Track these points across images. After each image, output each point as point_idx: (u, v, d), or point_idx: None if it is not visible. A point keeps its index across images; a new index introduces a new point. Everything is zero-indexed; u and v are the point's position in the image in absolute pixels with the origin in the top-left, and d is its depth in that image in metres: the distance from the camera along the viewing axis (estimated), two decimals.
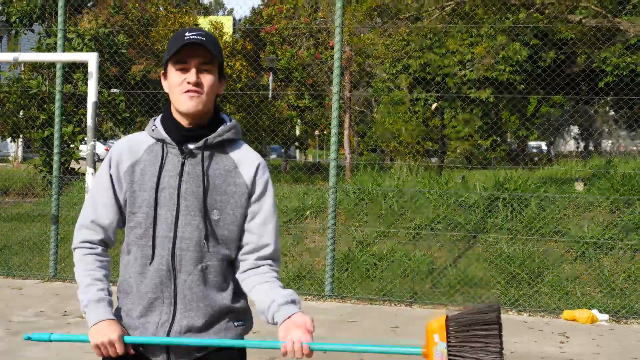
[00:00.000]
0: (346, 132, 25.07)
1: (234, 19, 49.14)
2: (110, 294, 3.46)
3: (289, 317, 3.26)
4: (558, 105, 36.37)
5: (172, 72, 3.38)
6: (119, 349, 3.29)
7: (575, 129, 50.66)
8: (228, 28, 36.72)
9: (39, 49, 19.83)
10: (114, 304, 3.48)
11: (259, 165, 3.47)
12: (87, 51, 18.38)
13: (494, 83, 26.66)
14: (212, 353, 3.39)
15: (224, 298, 3.40)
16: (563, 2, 15.79)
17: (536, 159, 39.28)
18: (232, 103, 27.42)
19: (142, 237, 3.39)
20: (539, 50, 26.60)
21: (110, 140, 52.49)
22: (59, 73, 12.51)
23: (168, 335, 3.34)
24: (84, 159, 9.93)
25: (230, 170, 3.42)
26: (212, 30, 28.13)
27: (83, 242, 3.52)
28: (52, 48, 18.63)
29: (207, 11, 56.85)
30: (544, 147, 51.07)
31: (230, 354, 3.42)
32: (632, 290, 10.98)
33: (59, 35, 12.48)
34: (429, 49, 26.87)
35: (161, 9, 27.35)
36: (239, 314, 3.48)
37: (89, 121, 9.79)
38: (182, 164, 3.38)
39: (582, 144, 50.01)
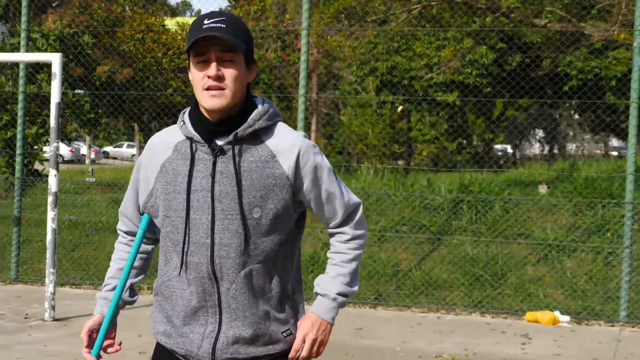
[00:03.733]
0: (313, 135, 25.11)
1: None
2: (115, 287, 3.42)
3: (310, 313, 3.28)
4: (523, 108, 36.53)
5: (193, 66, 3.10)
6: (83, 342, 3.26)
7: (540, 133, 51.00)
8: None
9: (2, 49, 19.64)
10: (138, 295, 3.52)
11: (299, 152, 3.14)
12: (51, 51, 18.25)
13: (460, 86, 26.77)
14: None
15: (271, 304, 3.20)
16: (528, 6, 15.91)
17: (501, 161, 39.46)
18: None
19: (178, 243, 3.16)
20: (505, 54, 26.74)
21: (75, 142, 52.26)
22: (22, 73, 12.41)
23: (214, 346, 3.14)
24: (47, 160, 9.86)
25: (268, 161, 3.11)
26: (179, 32, 28.09)
27: (118, 229, 3.52)
28: (15, 48, 18.47)
29: (174, 12, 56.72)
30: (510, 150, 51.36)
31: None
32: (593, 292, 11.07)
33: (23, 35, 12.39)
34: (396, 52, 26.93)
35: (127, 9, 27.26)
36: (287, 320, 3.27)
37: (52, 122, 9.71)
38: (214, 163, 3.10)
39: (546, 147, 50.35)
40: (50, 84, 11.25)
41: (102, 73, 22.06)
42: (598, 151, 49.41)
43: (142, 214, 3.38)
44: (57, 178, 9.77)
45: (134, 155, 44.32)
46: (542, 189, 14.72)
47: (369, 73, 27.83)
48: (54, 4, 24.36)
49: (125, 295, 3.44)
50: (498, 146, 49.24)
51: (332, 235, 3.37)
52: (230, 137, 3.10)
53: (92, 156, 48.28)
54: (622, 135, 34.65)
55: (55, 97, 9.66)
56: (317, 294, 3.32)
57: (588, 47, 23.10)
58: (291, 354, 3.23)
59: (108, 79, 22.04)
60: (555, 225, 12.29)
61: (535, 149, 52.41)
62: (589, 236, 11.95)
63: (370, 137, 33.62)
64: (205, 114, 3.14)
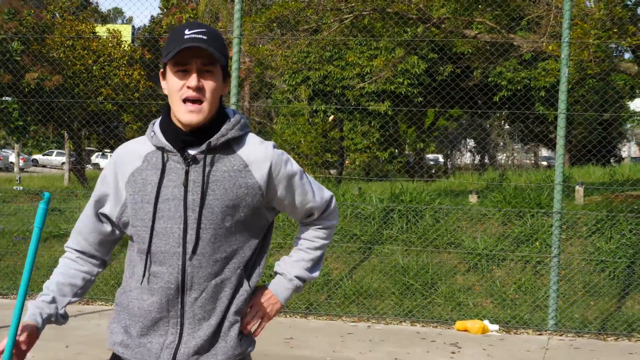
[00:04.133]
0: None
1: (133, 27, 48.75)
2: (53, 300, 3.32)
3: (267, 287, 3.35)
4: (454, 118, 36.91)
5: (171, 75, 3.08)
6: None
7: (471, 142, 51.52)
8: (127, 37, 36.37)
9: None
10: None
11: (271, 163, 3.17)
12: None
13: (392, 96, 26.95)
14: None
15: (236, 310, 3.19)
16: (459, 17, 16.04)
17: (433, 171, 39.77)
18: (129, 112, 27.16)
19: (144, 252, 3.13)
20: (436, 64, 27.00)
21: (4, 150, 51.54)
22: None
23: (174, 357, 3.12)
24: None
25: (240, 170, 3.12)
26: (110, 39, 27.85)
27: (67, 247, 3.42)
28: None
29: (105, 19, 56.22)
30: (441, 160, 51.79)
31: None
32: (522, 300, 11.18)
33: None
34: (328, 61, 27.04)
35: (57, 16, 26.94)
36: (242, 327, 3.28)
37: None
38: (187, 172, 3.08)
39: (477, 157, 50.88)
40: None
41: (31, 80, 21.76)
42: (528, 161, 50.04)
43: (116, 229, 3.33)
44: None
45: (63, 163, 43.81)
46: (473, 199, 14.85)
47: (301, 82, 27.91)
48: None
49: (62, 310, 3.35)
50: (429, 155, 49.64)
51: (303, 224, 3.45)
52: (204, 147, 3.09)
53: (21, 164, 47.60)
54: (551, 145, 35.18)
55: None
56: (276, 272, 3.38)
57: (518, 58, 23.40)
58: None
59: (37, 86, 21.75)
60: (485, 234, 12.40)
61: (466, 158, 52.93)
62: (517, 245, 12.07)
63: (303, 146, 33.62)
64: (178, 124, 3.13)
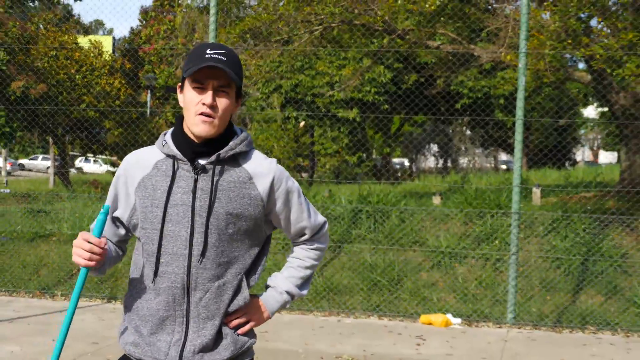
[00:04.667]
0: None
1: (114, 38, 48.44)
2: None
3: (259, 296, 3.40)
4: (419, 124, 36.97)
5: (189, 90, 3.16)
6: (93, 239, 3.01)
7: (434, 147, 51.63)
8: (107, 47, 36.22)
9: None
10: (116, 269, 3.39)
11: (274, 177, 3.26)
12: None
13: (360, 103, 26.99)
14: None
15: (237, 311, 3.27)
16: (422, 29, 16.09)
17: (399, 174, 39.83)
18: (110, 119, 27.05)
19: (153, 254, 3.18)
20: (401, 73, 27.05)
21: None
22: None
23: (181, 354, 3.16)
24: None
25: (245, 182, 3.21)
26: (92, 50, 27.72)
27: None
28: None
29: (87, 30, 55.91)
30: (406, 163, 51.85)
31: None
32: (483, 295, 11.23)
33: None
34: (300, 70, 27.04)
35: (41, 27, 26.78)
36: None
37: None
38: (195, 180, 3.16)
39: (440, 161, 51.01)
40: None
41: (17, 88, 21.63)
42: (488, 165, 50.23)
43: (127, 231, 3.37)
44: None
45: (48, 167, 43.55)
46: (436, 200, 14.90)
47: (273, 90, 27.88)
48: None
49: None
50: (395, 160, 49.65)
51: (296, 244, 3.52)
52: (213, 158, 3.17)
53: (8, 168, 47.27)
54: (509, 150, 35.32)
55: None
56: (267, 286, 3.46)
57: (478, 67, 23.50)
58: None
59: (22, 94, 21.62)
60: (448, 233, 12.44)
61: (430, 162, 53.03)
62: (478, 244, 12.13)
63: (276, 151, 33.62)
64: (190, 135, 3.21)
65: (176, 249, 3.15)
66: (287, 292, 3.42)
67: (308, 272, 3.48)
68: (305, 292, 3.47)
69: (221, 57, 3.11)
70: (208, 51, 3.12)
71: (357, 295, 11.50)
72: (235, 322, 3.27)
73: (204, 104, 3.11)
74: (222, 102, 3.15)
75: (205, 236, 3.14)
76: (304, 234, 3.46)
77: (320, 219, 3.50)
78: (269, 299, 3.40)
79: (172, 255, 3.15)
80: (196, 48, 3.19)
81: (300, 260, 3.48)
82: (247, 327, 3.31)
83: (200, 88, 3.13)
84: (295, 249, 3.51)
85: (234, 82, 3.15)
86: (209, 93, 3.12)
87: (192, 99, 3.15)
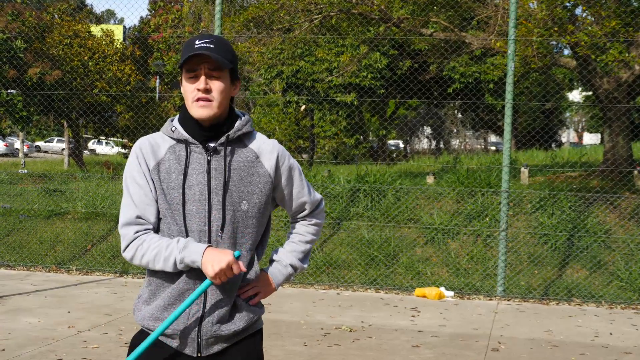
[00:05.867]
0: None
1: (124, 27, 48.36)
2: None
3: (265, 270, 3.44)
4: (413, 108, 36.92)
5: (184, 80, 3.21)
6: (241, 266, 3.08)
7: (428, 129, 51.58)
8: (119, 35, 36.12)
9: None
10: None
11: (278, 154, 3.32)
12: None
13: (357, 88, 26.91)
14: (234, 346, 3.29)
15: (247, 285, 3.30)
16: (416, 17, 16.03)
17: (394, 155, 39.79)
18: (122, 103, 26.99)
19: (175, 233, 3.17)
20: (396, 59, 26.97)
21: (9, 137, 51.06)
22: None
23: (200, 325, 3.18)
24: None
25: (253, 161, 3.26)
26: (104, 38, 27.64)
27: (136, 232, 3.18)
28: None
29: (99, 20, 55.72)
30: (401, 145, 51.79)
31: (251, 342, 3.35)
32: (474, 270, 11.22)
33: None
34: (300, 57, 26.94)
35: (56, 17, 26.68)
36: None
37: None
38: (209, 161, 3.20)
39: (433, 143, 50.96)
40: None
41: (33, 75, 21.55)
42: (478, 146, 50.15)
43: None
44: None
45: (63, 149, 43.48)
46: (430, 179, 14.88)
47: (275, 76, 27.80)
48: None
49: None
50: (391, 141, 49.61)
51: (295, 220, 3.55)
52: (223, 139, 3.21)
53: (25, 150, 47.21)
54: (499, 132, 35.29)
55: None
56: (272, 260, 3.49)
57: (469, 54, 23.42)
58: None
59: (39, 80, 21.55)
60: (441, 211, 12.43)
61: (424, 144, 52.96)
62: (470, 221, 12.12)
63: (278, 133, 33.54)
64: (198, 120, 3.23)
65: (196, 226, 3.16)
66: (291, 265, 3.46)
67: (308, 246, 3.52)
68: (306, 265, 3.52)
69: (209, 44, 3.15)
70: (197, 42, 3.17)
71: (355, 269, 11.49)
72: (246, 295, 3.29)
73: (198, 89, 3.16)
74: (216, 85, 3.18)
75: (223, 212, 3.17)
76: (304, 210, 3.50)
77: (318, 196, 3.56)
78: (275, 272, 3.43)
79: (192, 233, 3.16)
80: (188, 41, 3.23)
81: (301, 235, 3.52)
82: (257, 298, 3.34)
83: (194, 77, 3.18)
84: (296, 225, 3.55)
85: (223, 65, 3.16)
86: (202, 79, 3.16)
87: (188, 88, 3.20)
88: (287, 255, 3.47)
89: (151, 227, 3.21)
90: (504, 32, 13.83)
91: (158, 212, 3.22)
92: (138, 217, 3.19)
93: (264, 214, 3.32)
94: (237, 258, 3.08)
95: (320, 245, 11.97)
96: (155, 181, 3.21)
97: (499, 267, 10.58)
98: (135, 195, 3.21)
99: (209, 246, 3.09)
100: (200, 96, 3.16)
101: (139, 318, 3.28)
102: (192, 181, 3.18)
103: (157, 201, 3.22)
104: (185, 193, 3.17)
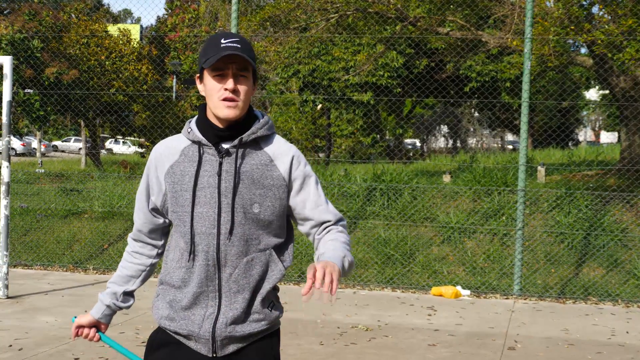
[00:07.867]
0: None
1: (141, 26, 48.50)
2: (117, 296, 3.50)
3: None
4: (429, 107, 36.88)
5: (209, 79, 3.16)
6: (91, 334, 3.44)
7: (444, 128, 51.50)
8: (135, 35, 36.23)
9: None
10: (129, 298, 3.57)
11: (293, 157, 3.25)
12: (2, 55, 17.88)
13: (374, 87, 26.90)
14: (250, 346, 3.25)
15: (264, 287, 3.22)
16: (433, 16, 16.02)
17: (410, 154, 39.75)
18: (138, 103, 27.08)
19: (185, 235, 3.20)
20: (413, 58, 26.94)
21: (27, 137, 51.36)
22: None
23: (214, 326, 3.18)
24: (0, 153, 9.66)
25: (267, 164, 3.20)
26: (121, 37, 27.74)
27: (129, 237, 3.51)
28: None
29: (116, 19, 55.91)
30: (418, 144, 51.73)
31: (267, 343, 3.29)
32: (490, 268, 11.22)
33: None
34: (316, 56, 26.95)
35: (73, 16, 26.79)
36: (270, 298, 3.28)
37: (4, 119, 9.56)
38: (220, 164, 3.16)
39: (450, 141, 50.87)
40: (2, 84, 11.01)
41: (50, 74, 21.66)
42: (495, 145, 50.06)
43: (163, 217, 3.39)
44: (9, 169, 9.62)
45: (80, 148, 43.66)
46: (446, 178, 14.87)
47: (292, 75, 27.81)
48: (5, 12, 23.85)
49: (119, 302, 3.51)
50: (408, 140, 49.56)
51: (324, 230, 3.28)
52: (236, 142, 3.17)
53: (42, 149, 47.46)
54: (516, 130, 35.19)
55: (6, 96, 9.47)
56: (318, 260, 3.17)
57: (485, 52, 23.38)
58: (308, 285, 2.85)
59: (56, 80, 21.66)
60: (457, 210, 12.42)
61: (440, 142, 52.90)
62: (486, 220, 12.11)
63: (294, 132, 33.54)
64: (214, 121, 3.21)
65: (205, 228, 3.15)
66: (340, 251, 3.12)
67: (346, 245, 3.20)
68: (347, 267, 3.10)
69: (236, 44, 3.10)
70: (222, 41, 3.11)
71: (372, 268, 11.50)
72: (325, 289, 2.86)
73: (226, 89, 3.11)
74: (243, 86, 3.14)
75: (231, 215, 3.14)
76: (328, 221, 3.28)
77: (339, 212, 3.35)
78: (332, 258, 3.05)
79: (202, 235, 3.16)
80: (210, 39, 3.18)
81: (332, 240, 3.20)
82: (335, 282, 2.89)
83: (220, 76, 3.13)
84: (327, 232, 3.27)
85: (251, 66, 3.15)
86: (230, 80, 3.11)
87: (214, 87, 3.14)
88: (333, 255, 3.08)
89: (138, 236, 3.47)
90: (521, 31, 13.81)
91: (161, 226, 3.42)
92: (139, 230, 3.46)
93: (279, 218, 3.25)
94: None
95: None
96: (169, 184, 3.24)
97: (516, 266, 10.57)
98: (136, 204, 3.43)
99: (90, 312, 3.47)
100: (228, 96, 3.12)
101: (157, 317, 3.33)
102: (203, 183, 3.18)
103: (155, 208, 3.35)
104: (195, 195, 3.18)
